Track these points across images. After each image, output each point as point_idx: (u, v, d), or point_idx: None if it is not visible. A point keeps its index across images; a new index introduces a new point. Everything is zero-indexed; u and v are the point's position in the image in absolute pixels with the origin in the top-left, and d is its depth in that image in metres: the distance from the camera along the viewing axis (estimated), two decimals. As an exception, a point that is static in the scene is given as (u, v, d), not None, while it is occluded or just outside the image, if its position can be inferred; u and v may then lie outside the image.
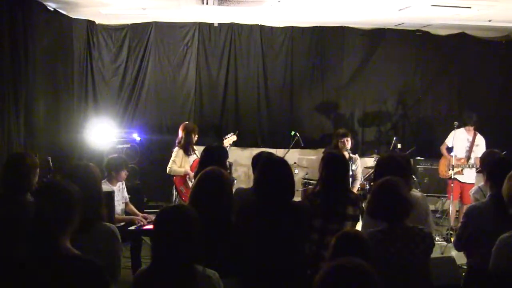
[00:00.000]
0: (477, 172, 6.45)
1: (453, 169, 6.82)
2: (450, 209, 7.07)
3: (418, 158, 8.30)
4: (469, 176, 6.90)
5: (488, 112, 8.43)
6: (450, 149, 7.13)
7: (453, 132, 7.07)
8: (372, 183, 7.06)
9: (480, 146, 6.92)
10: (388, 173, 3.16)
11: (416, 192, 3.74)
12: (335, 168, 3.53)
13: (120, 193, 5.39)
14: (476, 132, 6.99)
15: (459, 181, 6.92)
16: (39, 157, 3.88)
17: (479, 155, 6.77)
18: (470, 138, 6.96)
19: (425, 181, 8.08)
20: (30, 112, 6.13)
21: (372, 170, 7.25)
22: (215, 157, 4.15)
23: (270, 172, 3.17)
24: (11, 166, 3.50)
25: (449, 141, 7.12)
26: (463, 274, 3.82)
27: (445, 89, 8.70)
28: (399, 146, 7.58)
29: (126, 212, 5.50)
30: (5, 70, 5.52)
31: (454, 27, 8.22)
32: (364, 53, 8.53)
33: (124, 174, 5.35)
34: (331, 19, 7.89)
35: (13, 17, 5.65)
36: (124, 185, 5.50)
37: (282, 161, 3.30)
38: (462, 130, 6.98)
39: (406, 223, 2.94)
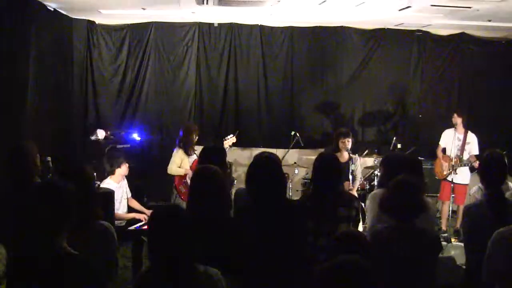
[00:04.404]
0: (476, 172, 6.44)
1: (453, 169, 6.82)
2: (443, 210, 7.07)
3: (418, 158, 8.30)
4: (463, 177, 6.90)
5: (488, 112, 8.43)
6: (444, 150, 7.14)
7: (444, 132, 7.08)
8: (371, 183, 7.14)
9: (472, 143, 6.92)
10: (399, 173, 3.10)
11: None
12: (325, 170, 3.47)
13: (121, 190, 5.36)
14: (467, 130, 6.98)
15: (452, 182, 6.89)
16: (39, 157, 3.90)
17: (472, 152, 6.81)
18: (461, 137, 6.94)
19: (425, 181, 8.06)
20: (30, 112, 6.13)
21: (372, 170, 7.30)
22: (213, 158, 4.14)
23: (256, 169, 3.19)
24: (17, 156, 3.64)
25: (442, 142, 7.13)
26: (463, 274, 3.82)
27: (445, 89, 8.71)
28: (399, 146, 7.58)
29: (130, 208, 5.48)
30: (5, 70, 5.52)
31: (454, 27, 8.22)
32: (364, 53, 8.53)
33: (126, 166, 5.32)
34: (331, 19, 7.89)
35: (13, 17, 5.65)
36: (125, 181, 5.48)
37: (268, 158, 3.27)
38: (452, 129, 6.96)
39: (414, 224, 2.93)
